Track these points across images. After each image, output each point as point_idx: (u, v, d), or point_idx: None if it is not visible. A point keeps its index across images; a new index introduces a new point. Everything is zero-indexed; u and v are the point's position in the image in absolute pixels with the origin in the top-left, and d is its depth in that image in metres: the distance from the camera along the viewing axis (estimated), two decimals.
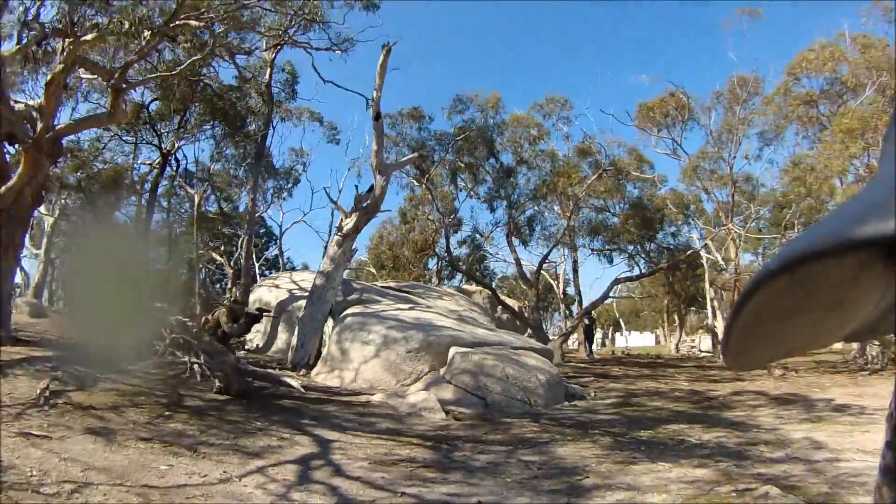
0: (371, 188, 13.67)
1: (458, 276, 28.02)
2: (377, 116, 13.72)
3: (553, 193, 22.17)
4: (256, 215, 26.08)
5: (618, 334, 49.55)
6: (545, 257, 23.61)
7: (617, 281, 22.62)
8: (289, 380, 9.44)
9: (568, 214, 22.45)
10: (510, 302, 23.66)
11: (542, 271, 29.12)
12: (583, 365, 19.08)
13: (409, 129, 22.25)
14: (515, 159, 22.74)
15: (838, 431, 7.51)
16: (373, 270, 30.94)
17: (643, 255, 24.60)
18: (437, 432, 7.50)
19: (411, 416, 8.35)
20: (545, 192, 22.34)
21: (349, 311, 12.62)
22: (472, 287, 23.04)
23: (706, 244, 22.69)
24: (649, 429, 7.97)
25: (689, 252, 23.41)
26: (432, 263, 29.47)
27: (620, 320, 46.90)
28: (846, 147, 14.80)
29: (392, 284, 18.51)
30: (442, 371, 10.21)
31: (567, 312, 29.91)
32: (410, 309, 13.41)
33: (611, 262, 26.24)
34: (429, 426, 7.90)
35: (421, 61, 70.54)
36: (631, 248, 24.54)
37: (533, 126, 22.82)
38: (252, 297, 15.52)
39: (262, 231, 32.59)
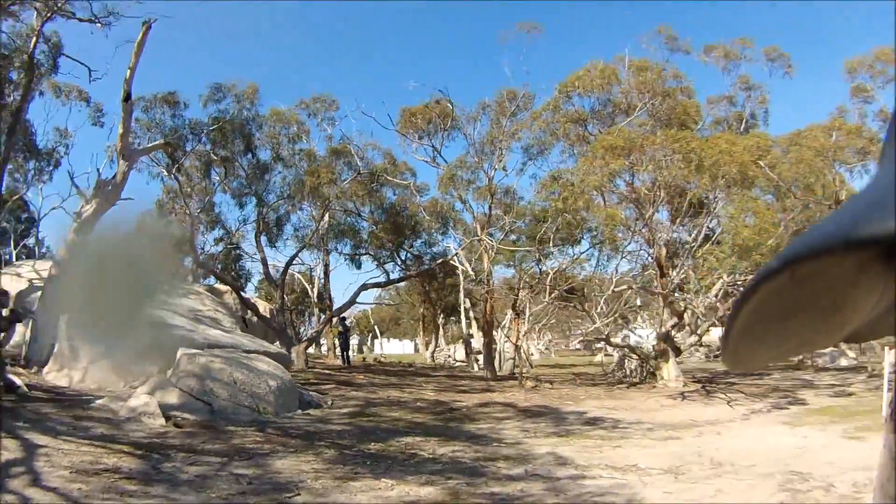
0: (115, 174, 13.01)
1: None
2: (127, 97, 12.99)
3: (301, 192, 21.71)
4: (14, 197, 24.90)
5: (376, 341, 49.86)
6: (292, 259, 23.05)
7: (364, 286, 22.35)
8: (12, 377, 8.91)
9: (320, 215, 22.06)
10: (262, 304, 22.77)
11: (298, 274, 28.46)
12: (328, 371, 18.64)
13: (162, 114, 20.65)
14: (273, 156, 22.03)
15: (587, 446, 7.51)
16: None
17: (396, 262, 24.67)
18: (153, 440, 7.04)
19: (130, 422, 7.89)
20: (295, 191, 21.88)
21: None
22: (225, 287, 21.64)
23: (456, 254, 22.87)
24: (381, 441, 7.71)
25: (439, 261, 23.59)
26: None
27: (377, 327, 47.25)
28: (606, 163, 15.01)
29: None
30: (169, 373, 9.66)
31: (322, 317, 29.17)
32: None
33: (359, 266, 26.28)
34: (146, 433, 7.42)
35: (188, 46, 65.21)
36: (383, 254, 24.47)
37: (294, 123, 22.19)
38: None
39: (24, 216, 29.84)
